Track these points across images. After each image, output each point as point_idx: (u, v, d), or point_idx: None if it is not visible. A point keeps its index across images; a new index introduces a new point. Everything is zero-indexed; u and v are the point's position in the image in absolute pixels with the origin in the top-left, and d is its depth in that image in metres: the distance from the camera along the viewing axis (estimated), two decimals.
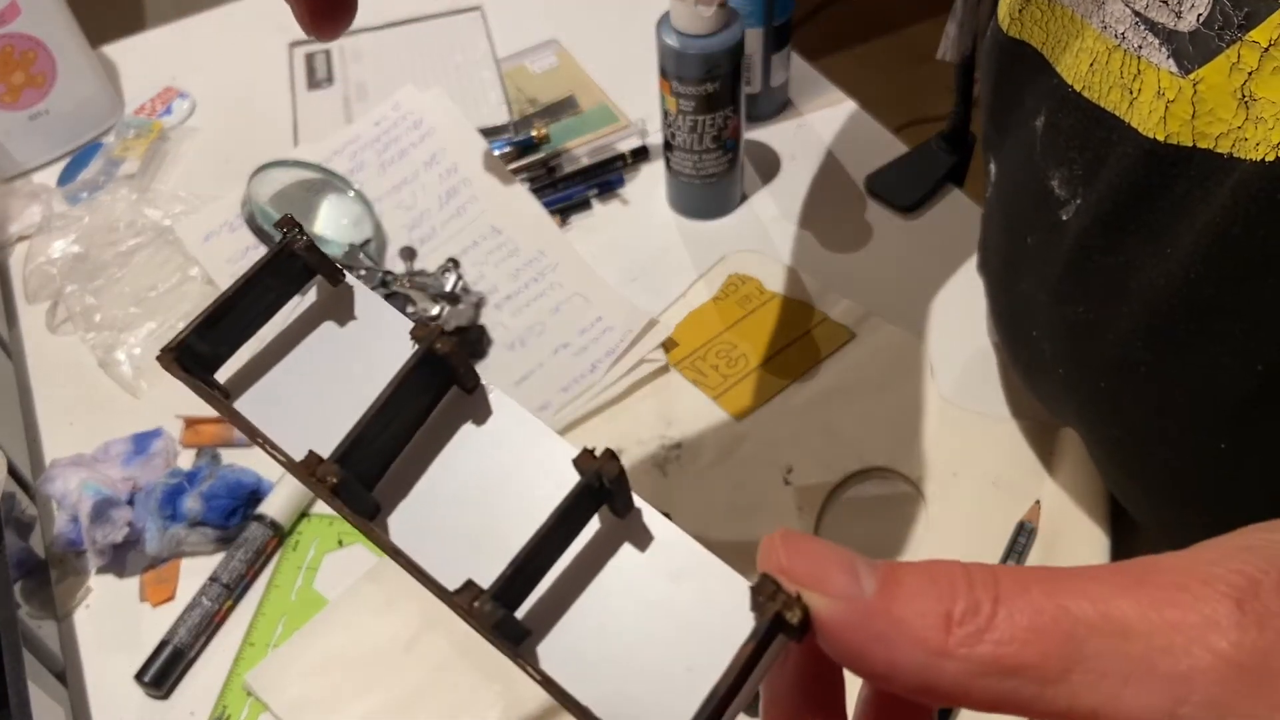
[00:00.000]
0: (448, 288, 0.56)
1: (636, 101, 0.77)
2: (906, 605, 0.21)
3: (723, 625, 0.24)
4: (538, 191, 0.71)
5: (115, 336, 0.65)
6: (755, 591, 0.23)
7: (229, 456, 0.60)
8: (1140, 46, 0.35)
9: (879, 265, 0.67)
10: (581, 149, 0.74)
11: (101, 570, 0.56)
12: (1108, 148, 0.37)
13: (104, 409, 0.63)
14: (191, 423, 0.61)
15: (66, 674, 0.52)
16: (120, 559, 0.56)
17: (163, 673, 0.51)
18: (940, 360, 0.61)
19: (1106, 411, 0.44)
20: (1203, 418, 0.39)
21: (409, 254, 0.58)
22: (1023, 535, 0.51)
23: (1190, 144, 0.34)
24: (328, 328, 0.28)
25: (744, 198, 0.72)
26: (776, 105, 0.77)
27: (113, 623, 0.54)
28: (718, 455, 0.57)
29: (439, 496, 0.26)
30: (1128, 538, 0.52)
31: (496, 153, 0.72)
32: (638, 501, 0.26)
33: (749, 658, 0.22)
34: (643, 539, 0.26)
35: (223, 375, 0.27)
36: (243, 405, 0.26)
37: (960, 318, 0.63)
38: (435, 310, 0.56)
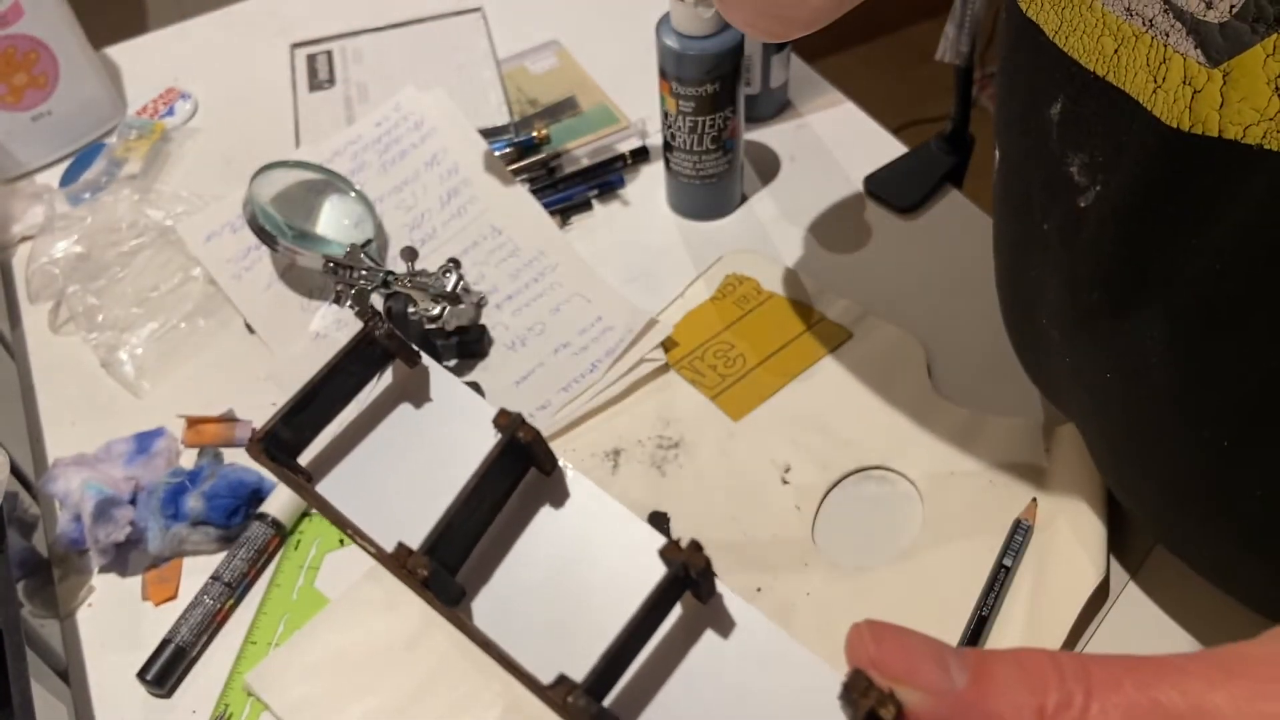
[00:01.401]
0: (448, 288, 0.56)
1: (636, 102, 0.77)
2: (999, 698, 0.21)
3: (811, 718, 0.24)
4: (538, 192, 0.71)
5: (117, 336, 0.66)
6: (848, 688, 0.23)
7: (231, 456, 0.60)
8: (1168, 34, 0.34)
9: (877, 265, 0.67)
10: (582, 149, 0.75)
11: (104, 569, 0.56)
12: (1128, 135, 0.37)
13: (106, 409, 0.64)
14: (193, 422, 0.61)
15: (69, 673, 0.52)
16: (122, 558, 0.56)
17: (165, 671, 0.51)
18: (938, 360, 0.61)
19: (1112, 402, 0.44)
20: (1210, 412, 0.38)
21: (410, 254, 0.58)
22: (1019, 533, 0.51)
23: (1215, 134, 0.33)
24: (404, 409, 0.28)
25: (744, 198, 0.72)
26: (776, 106, 0.77)
27: (115, 622, 0.54)
28: (716, 455, 0.58)
29: (521, 581, 0.26)
30: (1125, 537, 0.52)
31: (497, 153, 0.72)
32: (719, 586, 0.26)
33: None
34: (726, 625, 0.26)
35: (304, 457, 0.27)
36: (326, 489, 0.27)
37: (958, 318, 0.63)
38: (436, 310, 0.56)
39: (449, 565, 0.25)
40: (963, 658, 0.22)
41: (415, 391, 0.29)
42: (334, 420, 0.28)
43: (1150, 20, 0.35)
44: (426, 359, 0.29)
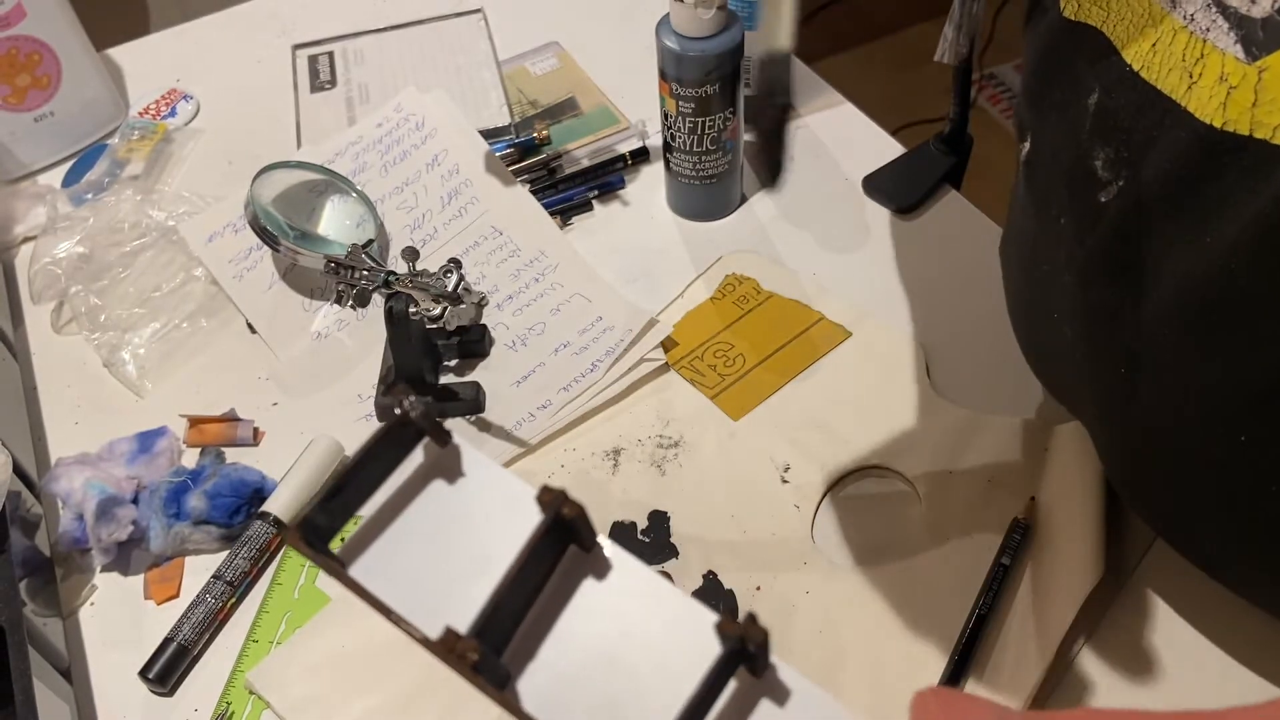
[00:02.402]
0: (449, 288, 0.56)
1: (637, 103, 0.78)
2: None
3: None
4: (538, 192, 0.72)
5: (120, 336, 0.66)
6: None
7: (232, 455, 0.60)
8: (1208, 30, 0.34)
9: (876, 265, 0.67)
10: (582, 150, 0.75)
11: (106, 568, 0.56)
12: (1160, 130, 0.37)
13: (108, 408, 0.64)
14: (195, 422, 0.61)
15: (71, 671, 0.53)
16: (125, 557, 0.57)
17: (167, 670, 0.51)
18: (937, 360, 0.61)
19: (1124, 399, 0.44)
20: (1224, 409, 0.39)
21: (411, 254, 0.58)
22: (1018, 533, 0.52)
23: (1247, 132, 0.33)
24: (436, 486, 0.28)
25: (744, 199, 0.72)
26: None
27: (117, 620, 0.54)
28: (716, 454, 0.58)
29: (569, 660, 0.26)
30: (1124, 536, 0.52)
31: (498, 154, 0.72)
32: (773, 658, 0.26)
33: None
34: (782, 696, 0.26)
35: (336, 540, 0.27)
36: (360, 574, 0.26)
37: (957, 318, 0.63)
38: (437, 310, 0.56)
39: (496, 647, 0.25)
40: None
41: (447, 469, 0.28)
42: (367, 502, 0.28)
43: (1191, 16, 0.35)
44: (457, 438, 0.28)
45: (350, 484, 0.27)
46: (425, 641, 0.25)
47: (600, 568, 0.27)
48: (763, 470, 0.57)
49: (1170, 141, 0.36)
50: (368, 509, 0.27)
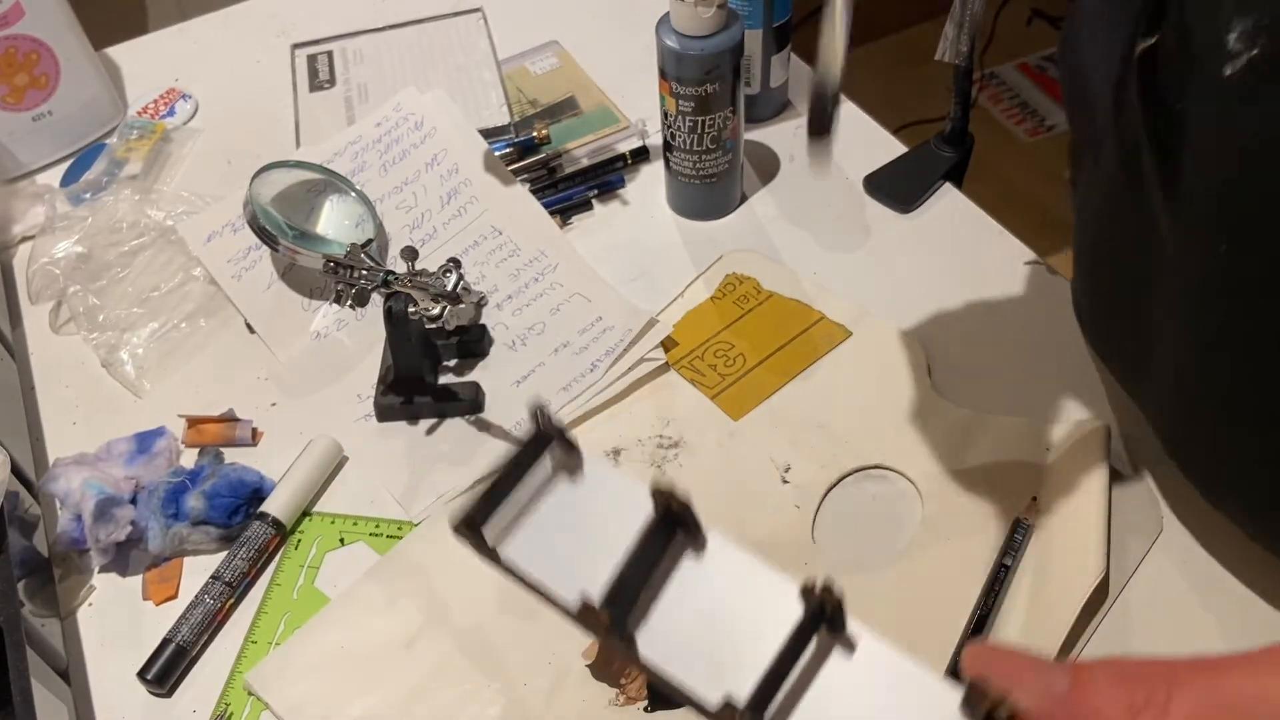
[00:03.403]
0: (449, 287, 0.56)
1: (637, 102, 0.78)
2: (1096, 696, 0.26)
3: None
4: (538, 192, 0.71)
5: (118, 336, 0.66)
6: (969, 697, 0.28)
7: (231, 455, 0.60)
8: None
9: (877, 265, 0.67)
10: (582, 150, 0.75)
11: (104, 569, 0.56)
12: None
13: (107, 408, 0.64)
14: (194, 422, 0.61)
15: (70, 672, 0.52)
16: (123, 558, 0.56)
17: (165, 671, 0.51)
18: (938, 359, 0.61)
19: (1224, 357, 0.43)
20: None
21: (411, 254, 0.58)
22: (1019, 532, 0.52)
23: None
24: (563, 484, 0.34)
25: (744, 198, 0.72)
26: (776, 106, 0.78)
27: (115, 621, 0.54)
28: (716, 454, 0.58)
29: (678, 622, 0.32)
30: (1125, 536, 0.52)
31: (497, 153, 0.72)
32: (851, 623, 0.31)
33: None
34: (860, 653, 0.31)
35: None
36: (510, 557, 0.33)
37: (958, 317, 0.63)
38: (436, 310, 0.56)
39: (621, 614, 0.31)
40: (1063, 666, 0.27)
41: (572, 470, 0.34)
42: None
43: None
44: (578, 442, 0.34)
45: (501, 484, 0.33)
46: (567, 611, 0.32)
47: (701, 550, 0.33)
48: (763, 470, 0.57)
49: None
50: (509, 506, 0.33)
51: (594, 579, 0.31)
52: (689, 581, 0.32)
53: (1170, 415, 0.49)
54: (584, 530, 0.33)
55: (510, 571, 0.33)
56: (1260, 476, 0.45)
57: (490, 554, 0.33)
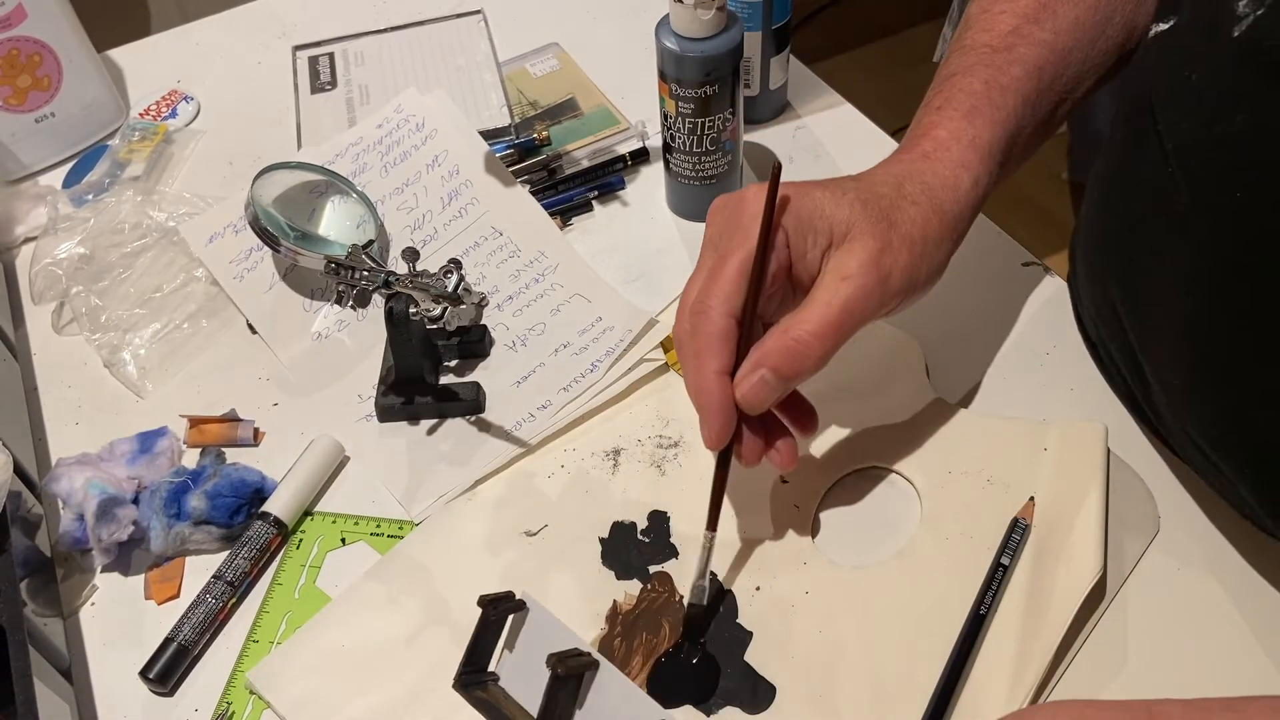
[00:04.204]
0: (450, 288, 0.56)
1: (636, 104, 0.78)
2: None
3: None
4: (538, 193, 0.72)
5: (120, 337, 0.66)
6: None
7: (233, 455, 0.61)
8: None
9: None
10: (582, 151, 0.75)
11: (107, 568, 0.56)
12: None
13: (109, 409, 0.64)
14: (196, 422, 0.61)
15: (72, 671, 0.53)
16: (125, 557, 0.57)
17: (167, 670, 0.51)
18: (936, 360, 0.61)
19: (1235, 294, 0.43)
20: None
21: (412, 255, 0.58)
22: (1017, 532, 0.52)
23: None
24: (524, 637, 0.45)
25: None
26: (775, 108, 0.78)
27: (118, 620, 0.55)
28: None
29: None
30: (1122, 536, 0.52)
31: (498, 155, 0.72)
32: None
33: None
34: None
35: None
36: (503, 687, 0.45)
37: (957, 318, 0.63)
38: (437, 310, 0.56)
39: None
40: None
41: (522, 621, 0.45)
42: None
43: None
44: (529, 600, 0.45)
45: (477, 645, 0.45)
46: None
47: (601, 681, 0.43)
48: (763, 469, 0.57)
49: None
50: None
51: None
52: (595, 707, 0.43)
53: (1177, 384, 0.49)
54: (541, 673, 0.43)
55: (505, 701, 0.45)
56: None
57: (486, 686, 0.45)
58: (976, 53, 0.53)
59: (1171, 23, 0.48)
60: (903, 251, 0.47)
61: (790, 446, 0.50)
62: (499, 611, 0.45)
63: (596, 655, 0.43)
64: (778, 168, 0.47)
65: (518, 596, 0.45)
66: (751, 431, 0.49)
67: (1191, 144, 0.45)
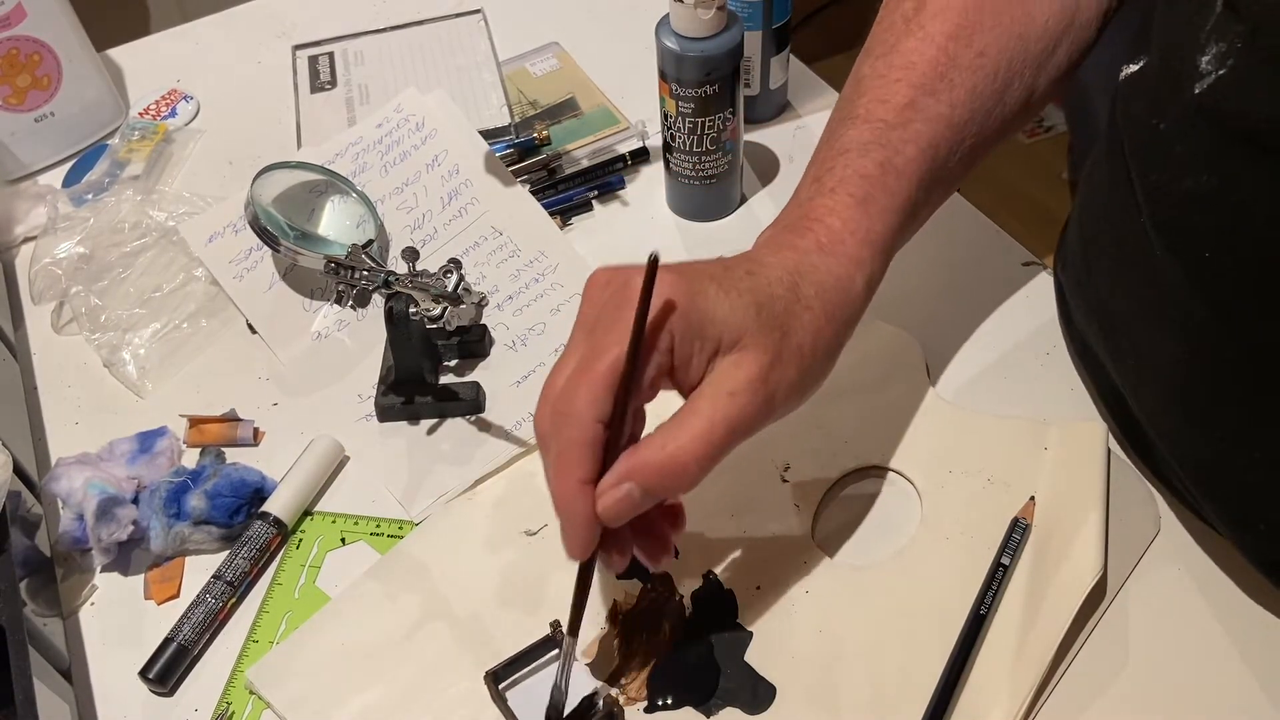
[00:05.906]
0: (449, 288, 0.56)
1: (636, 103, 0.78)
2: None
3: None
4: (538, 193, 0.72)
5: (120, 337, 0.66)
6: None
7: (233, 455, 0.60)
8: None
9: None
10: (582, 151, 0.75)
11: (106, 568, 0.56)
12: None
13: (109, 408, 0.64)
14: (196, 422, 0.61)
15: (72, 671, 0.53)
16: (125, 557, 0.57)
17: (167, 670, 0.51)
18: (936, 359, 0.61)
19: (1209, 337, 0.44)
20: None
21: (411, 255, 0.58)
22: (1017, 532, 0.52)
23: None
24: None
25: (743, 199, 0.72)
26: (775, 107, 0.78)
27: (117, 620, 0.55)
28: None
29: None
30: (1123, 536, 0.52)
31: (498, 154, 0.72)
32: None
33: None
34: None
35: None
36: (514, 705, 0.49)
37: (957, 317, 0.63)
38: (437, 310, 0.56)
39: None
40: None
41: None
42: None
43: None
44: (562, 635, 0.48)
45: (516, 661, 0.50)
46: None
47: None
48: (763, 469, 0.57)
49: None
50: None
51: None
52: None
53: (1157, 414, 0.50)
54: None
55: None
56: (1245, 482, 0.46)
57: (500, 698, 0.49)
58: (871, 127, 0.51)
59: (1141, 64, 0.48)
60: (791, 366, 0.45)
61: (661, 543, 0.47)
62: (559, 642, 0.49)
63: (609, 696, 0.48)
64: (654, 261, 0.42)
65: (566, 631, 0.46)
66: (617, 533, 0.45)
67: (1160, 196, 0.44)
